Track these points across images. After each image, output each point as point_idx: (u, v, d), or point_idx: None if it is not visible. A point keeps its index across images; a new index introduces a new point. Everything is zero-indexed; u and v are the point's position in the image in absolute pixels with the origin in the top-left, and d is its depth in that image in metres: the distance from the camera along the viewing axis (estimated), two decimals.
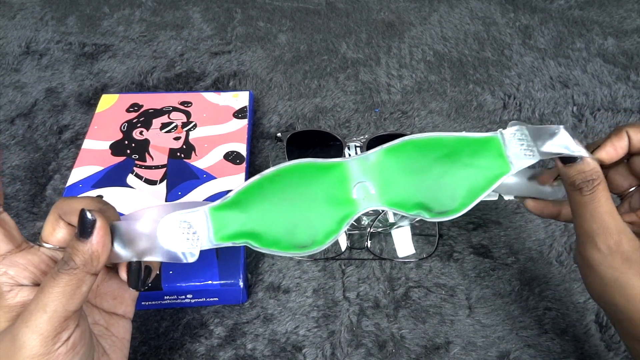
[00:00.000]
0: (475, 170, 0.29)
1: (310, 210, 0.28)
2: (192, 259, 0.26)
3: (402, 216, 0.37)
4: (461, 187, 0.29)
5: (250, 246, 0.27)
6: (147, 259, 0.26)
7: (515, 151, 0.29)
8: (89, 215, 0.23)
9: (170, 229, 0.26)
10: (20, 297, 0.24)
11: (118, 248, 0.25)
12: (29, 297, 0.24)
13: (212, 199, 0.42)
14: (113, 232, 0.25)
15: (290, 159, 0.49)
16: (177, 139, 0.48)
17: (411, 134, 0.52)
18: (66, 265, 0.23)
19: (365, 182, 0.29)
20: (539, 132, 0.28)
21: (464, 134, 0.29)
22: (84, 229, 0.23)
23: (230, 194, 0.27)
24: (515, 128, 0.29)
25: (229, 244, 0.27)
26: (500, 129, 0.29)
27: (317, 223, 0.28)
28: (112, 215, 0.26)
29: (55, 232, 0.26)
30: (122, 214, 0.40)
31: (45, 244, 0.26)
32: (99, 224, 0.24)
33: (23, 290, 0.24)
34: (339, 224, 0.28)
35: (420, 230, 0.45)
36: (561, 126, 0.28)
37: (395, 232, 0.44)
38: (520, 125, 0.29)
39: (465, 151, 0.29)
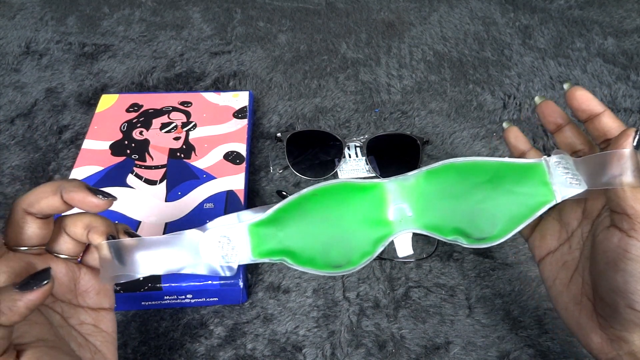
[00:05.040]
0: (517, 197, 0.28)
1: (346, 231, 0.28)
2: (230, 272, 0.27)
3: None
4: (502, 214, 0.28)
5: (286, 263, 0.27)
6: (188, 271, 0.27)
7: (560, 179, 0.28)
8: (49, 273, 0.21)
9: (212, 243, 0.27)
10: None
11: (145, 263, 0.26)
12: None
13: (212, 199, 0.42)
14: (142, 247, 0.26)
15: (290, 159, 0.49)
16: (177, 139, 0.48)
17: (411, 134, 0.52)
18: None
19: (403, 204, 0.28)
20: (589, 162, 0.27)
21: (507, 159, 0.28)
22: (31, 283, 0.21)
23: (269, 211, 0.27)
24: (559, 156, 0.28)
25: (266, 260, 0.27)
26: (545, 156, 0.29)
27: (352, 243, 0.28)
28: (104, 227, 0.25)
29: (24, 229, 0.23)
30: (122, 214, 0.41)
31: (19, 248, 0.24)
32: (49, 286, 0.21)
33: None
34: (374, 245, 0.28)
35: None
36: (625, 150, 0.25)
37: None
38: (564, 154, 0.28)
39: (508, 177, 0.28)
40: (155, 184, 0.43)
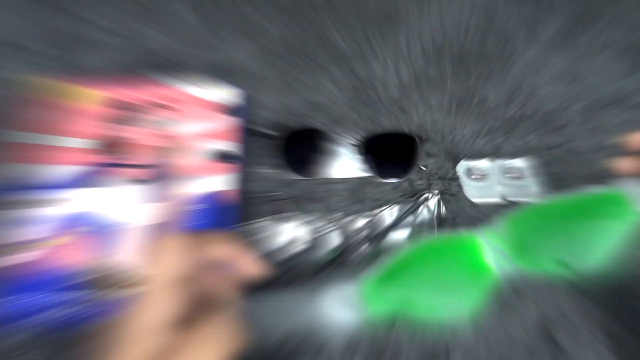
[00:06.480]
0: (605, 223, 0.29)
1: (452, 284, 0.29)
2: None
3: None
4: (597, 242, 0.29)
5: (403, 317, 0.29)
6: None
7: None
8: None
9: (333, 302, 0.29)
10: None
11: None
12: None
13: (201, 199, 0.40)
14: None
15: (282, 157, 0.47)
16: (162, 136, 0.45)
17: (409, 131, 0.50)
18: None
19: (499, 248, 0.29)
20: None
21: (584, 191, 0.30)
22: None
23: (379, 271, 0.29)
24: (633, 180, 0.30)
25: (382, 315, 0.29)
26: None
27: (460, 293, 0.29)
28: None
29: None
30: (106, 216, 0.38)
31: None
32: None
33: None
34: (480, 291, 0.29)
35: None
36: None
37: (394, 234, 0.42)
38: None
39: (591, 207, 0.30)
40: (141, 184, 0.41)
